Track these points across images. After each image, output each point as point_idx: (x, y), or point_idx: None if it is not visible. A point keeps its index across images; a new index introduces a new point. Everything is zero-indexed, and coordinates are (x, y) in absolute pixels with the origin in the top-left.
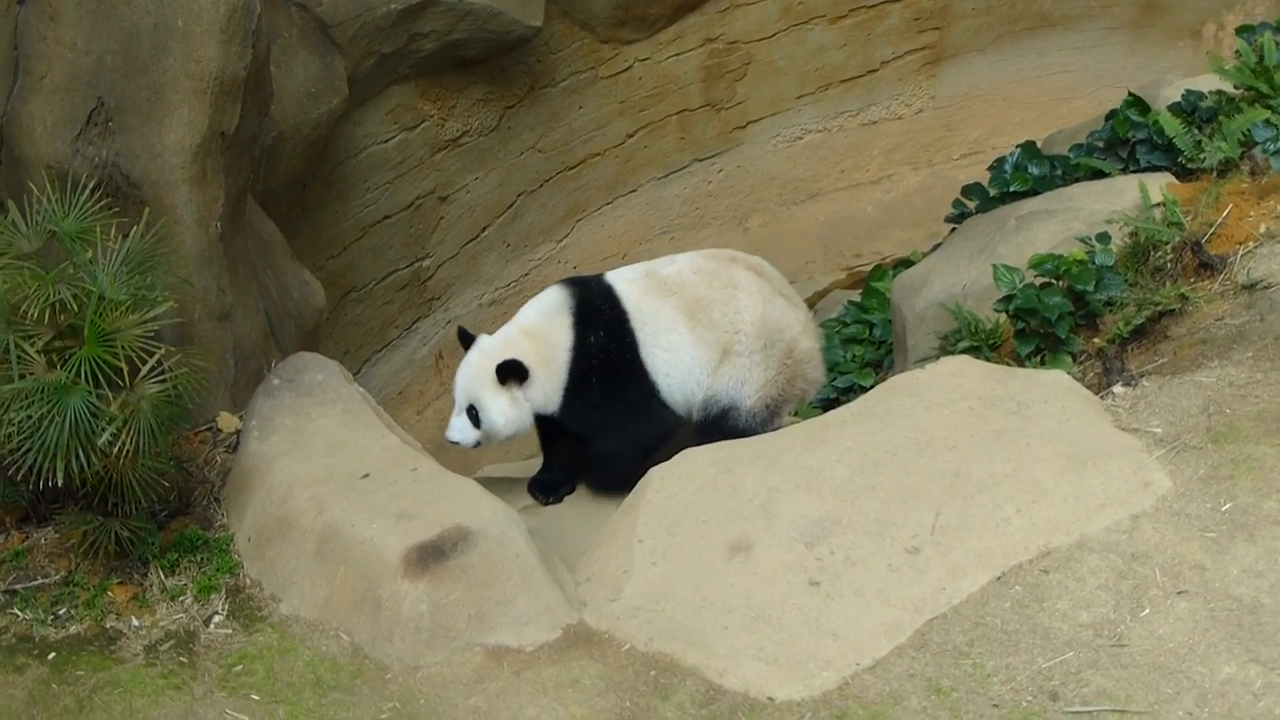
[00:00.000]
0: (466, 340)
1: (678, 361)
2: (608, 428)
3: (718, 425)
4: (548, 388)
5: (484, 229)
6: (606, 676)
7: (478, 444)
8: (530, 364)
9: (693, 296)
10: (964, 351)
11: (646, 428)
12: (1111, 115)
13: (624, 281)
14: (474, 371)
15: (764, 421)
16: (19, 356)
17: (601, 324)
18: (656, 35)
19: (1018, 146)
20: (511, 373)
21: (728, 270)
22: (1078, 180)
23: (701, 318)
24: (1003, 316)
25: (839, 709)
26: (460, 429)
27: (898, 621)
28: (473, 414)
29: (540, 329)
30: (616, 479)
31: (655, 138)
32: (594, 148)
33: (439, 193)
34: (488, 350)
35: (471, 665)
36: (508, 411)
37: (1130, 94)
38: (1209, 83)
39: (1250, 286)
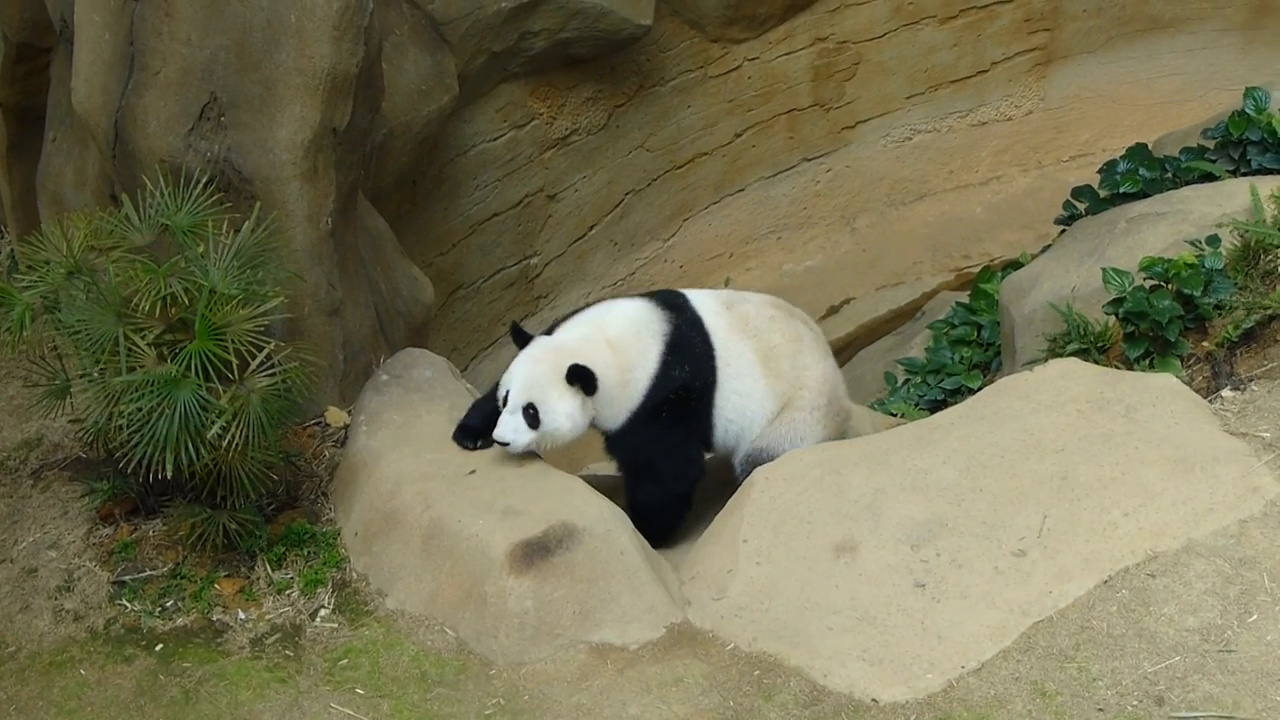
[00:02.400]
0: (522, 339)
1: (746, 408)
2: (653, 469)
3: None
4: (617, 408)
5: (591, 227)
6: (710, 676)
7: (526, 448)
8: (608, 378)
9: (768, 343)
10: (1073, 354)
11: (686, 475)
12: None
13: (711, 313)
14: (543, 369)
15: None
16: (130, 349)
17: (689, 358)
18: (766, 34)
19: (1128, 149)
20: (582, 379)
21: (793, 323)
22: (1188, 183)
23: (773, 366)
24: (1112, 319)
25: (943, 711)
26: (514, 429)
27: (1003, 624)
28: (530, 413)
29: (628, 346)
30: (663, 532)
31: (763, 137)
32: (702, 147)
33: (547, 191)
34: (562, 348)
35: (575, 662)
36: (575, 416)
37: (1249, 89)
38: None
39: None
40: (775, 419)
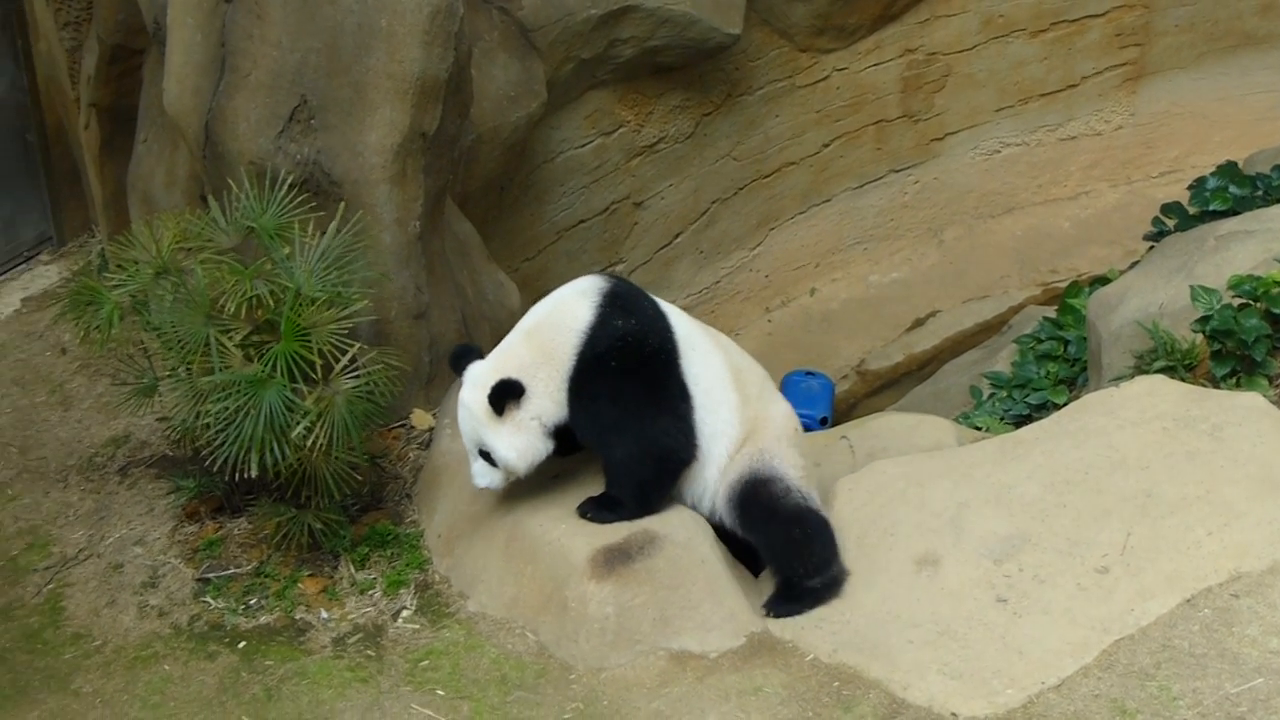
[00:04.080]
0: (459, 364)
1: (717, 411)
2: (623, 427)
3: (757, 496)
4: (551, 387)
5: (677, 235)
6: (789, 686)
7: (506, 484)
8: (527, 370)
9: (736, 362)
10: (1159, 371)
11: (668, 430)
12: None
13: (669, 307)
14: (469, 411)
15: (817, 504)
16: (218, 350)
17: (635, 313)
18: (855, 45)
19: (1218, 166)
20: (505, 395)
21: (755, 363)
22: (1279, 201)
23: (742, 387)
24: (1199, 337)
25: None
26: (482, 474)
27: (1084, 641)
28: (486, 456)
29: (548, 318)
30: (637, 497)
31: (851, 148)
32: (789, 156)
33: (634, 198)
34: (478, 381)
35: (655, 669)
36: (518, 443)
37: None
38: None
39: None
40: (739, 451)
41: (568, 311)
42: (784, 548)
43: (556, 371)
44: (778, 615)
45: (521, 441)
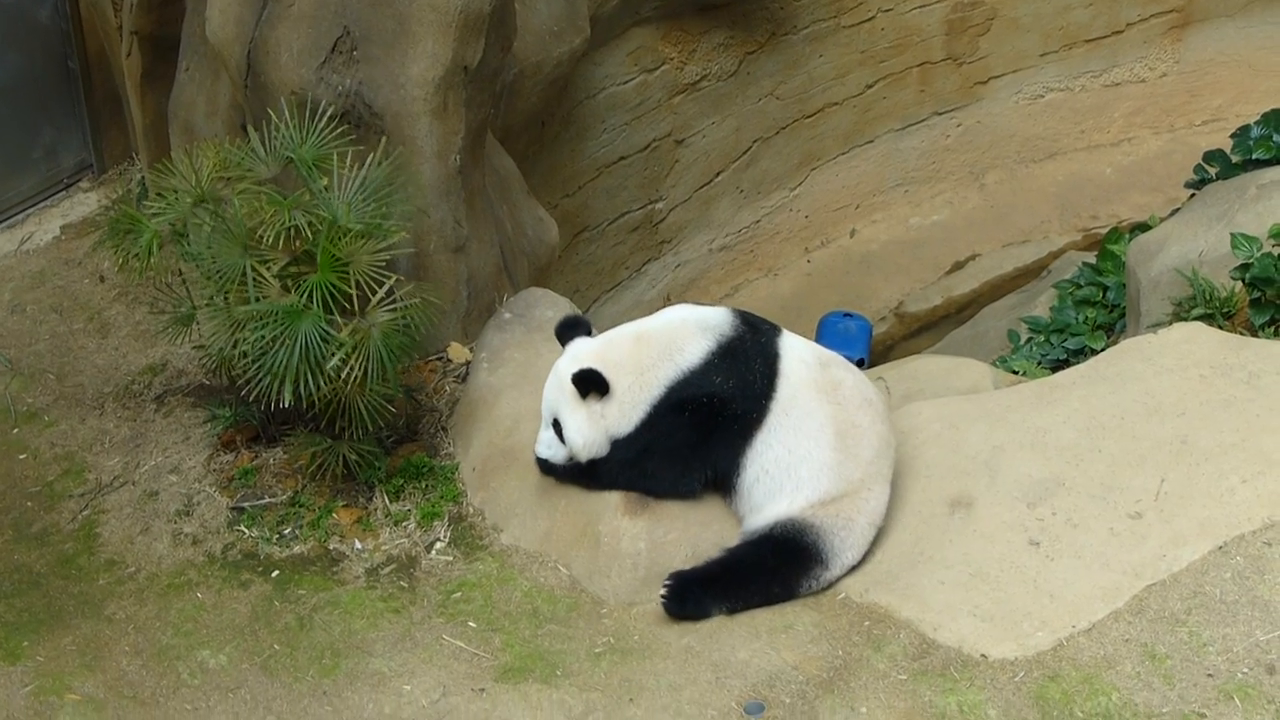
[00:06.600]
0: (565, 337)
1: (791, 472)
2: (656, 454)
3: (799, 545)
4: (629, 405)
5: (718, 174)
6: (820, 624)
7: (567, 461)
8: (620, 375)
9: (850, 419)
10: (1197, 318)
11: (675, 485)
12: None
13: (795, 358)
14: (556, 380)
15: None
16: (255, 280)
17: (738, 375)
18: None
19: (1263, 115)
20: (590, 385)
21: (883, 428)
22: None
23: (850, 445)
24: (1238, 285)
25: (1052, 670)
26: (548, 444)
27: (1116, 586)
28: (557, 429)
29: (661, 336)
30: (595, 483)
31: (895, 89)
32: (832, 97)
33: (675, 136)
34: (578, 356)
35: None
36: (585, 431)
37: None
38: None
39: None
40: (834, 502)
41: (679, 342)
42: (752, 574)
43: (643, 391)
44: (669, 610)
45: (591, 433)
